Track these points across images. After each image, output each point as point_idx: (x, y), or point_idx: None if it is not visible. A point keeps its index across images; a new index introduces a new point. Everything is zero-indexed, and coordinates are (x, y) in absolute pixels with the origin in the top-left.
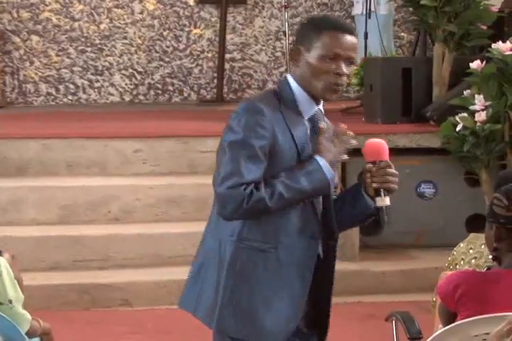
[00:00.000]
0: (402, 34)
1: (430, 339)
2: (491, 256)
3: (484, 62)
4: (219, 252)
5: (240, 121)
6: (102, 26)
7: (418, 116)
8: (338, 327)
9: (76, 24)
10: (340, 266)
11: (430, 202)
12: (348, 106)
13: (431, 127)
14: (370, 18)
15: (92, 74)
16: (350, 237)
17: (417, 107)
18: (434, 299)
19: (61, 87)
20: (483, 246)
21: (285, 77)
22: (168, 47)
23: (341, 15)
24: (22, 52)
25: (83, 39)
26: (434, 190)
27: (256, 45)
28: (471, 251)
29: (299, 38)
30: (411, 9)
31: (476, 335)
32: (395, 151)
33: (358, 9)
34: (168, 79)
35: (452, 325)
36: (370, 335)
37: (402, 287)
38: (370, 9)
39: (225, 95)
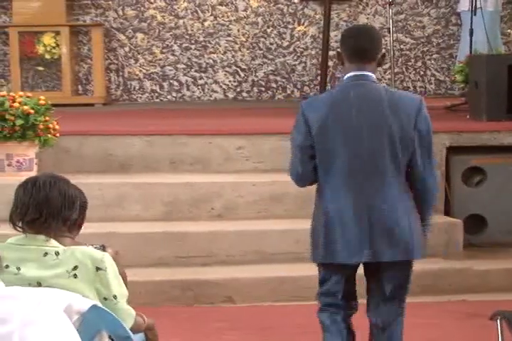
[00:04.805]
0: (509, 31)
1: None
2: None
3: None
4: None
5: None
6: (206, 23)
7: None
8: (442, 326)
9: (180, 21)
10: (444, 264)
11: None
12: (452, 103)
13: None
14: (475, 14)
15: (195, 71)
16: (455, 236)
17: None
18: None
19: (165, 84)
20: None
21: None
22: (271, 44)
23: (446, 12)
24: (127, 49)
25: (187, 36)
26: None
27: None
28: None
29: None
30: None
31: None
32: (500, 149)
33: (464, 6)
34: (271, 77)
35: None
36: (475, 334)
37: (507, 286)
38: (476, 6)
39: None
